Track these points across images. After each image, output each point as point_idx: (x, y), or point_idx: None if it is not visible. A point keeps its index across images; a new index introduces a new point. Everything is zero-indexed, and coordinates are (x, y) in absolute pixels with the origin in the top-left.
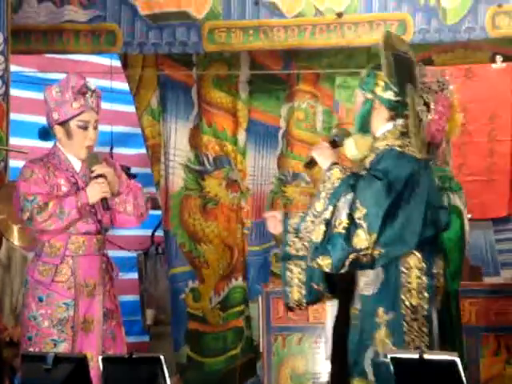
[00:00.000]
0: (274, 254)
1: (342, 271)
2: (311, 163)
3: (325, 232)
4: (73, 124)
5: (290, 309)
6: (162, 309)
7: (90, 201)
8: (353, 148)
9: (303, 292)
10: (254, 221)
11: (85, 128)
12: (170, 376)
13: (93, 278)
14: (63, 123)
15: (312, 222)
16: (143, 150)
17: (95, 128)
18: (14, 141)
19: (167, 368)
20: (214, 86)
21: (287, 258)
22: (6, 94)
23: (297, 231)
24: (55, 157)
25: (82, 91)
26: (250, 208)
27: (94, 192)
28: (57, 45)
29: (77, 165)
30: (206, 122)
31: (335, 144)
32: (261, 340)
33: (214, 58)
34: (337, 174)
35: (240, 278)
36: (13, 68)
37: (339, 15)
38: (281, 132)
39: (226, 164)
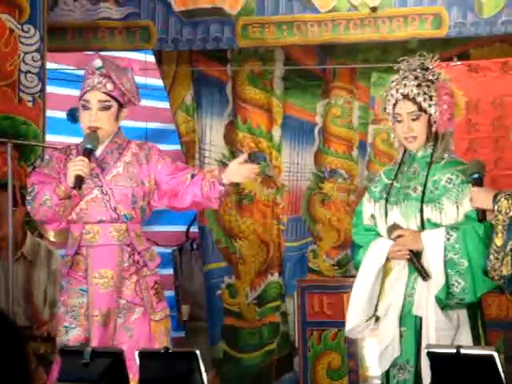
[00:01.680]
0: (310, 251)
1: None
2: (481, 213)
3: None
4: (80, 105)
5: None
6: (197, 304)
7: (68, 182)
8: None
9: None
10: (290, 217)
11: (86, 108)
12: (206, 371)
13: (109, 269)
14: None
15: (496, 258)
16: (178, 147)
17: (102, 109)
18: (50, 138)
19: (203, 363)
20: (249, 82)
21: None
22: (43, 91)
23: (486, 273)
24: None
25: (91, 71)
26: (285, 204)
27: (68, 172)
28: (92, 42)
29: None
30: (240, 118)
31: (480, 181)
32: (296, 335)
33: (249, 53)
34: (505, 203)
35: (276, 274)
36: (49, 65)
37: (373, 10)
38: (317, 128)
39: (261, 160)
